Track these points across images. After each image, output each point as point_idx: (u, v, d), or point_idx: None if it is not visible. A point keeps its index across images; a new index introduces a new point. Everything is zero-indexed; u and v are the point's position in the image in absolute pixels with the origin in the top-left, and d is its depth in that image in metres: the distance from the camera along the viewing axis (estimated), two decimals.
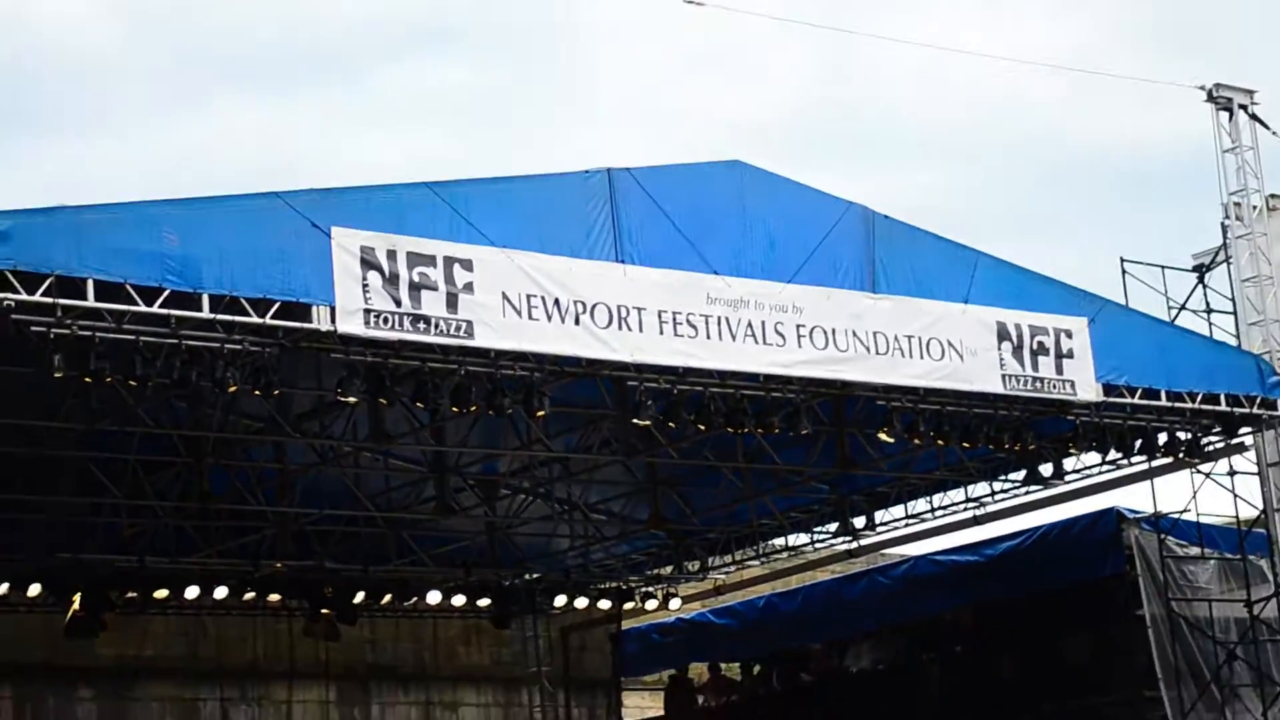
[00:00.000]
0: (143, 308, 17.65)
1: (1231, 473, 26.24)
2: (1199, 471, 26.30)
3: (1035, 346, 23.11)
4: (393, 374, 19.63)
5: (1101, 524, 27.30)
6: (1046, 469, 26.75)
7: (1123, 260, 25.75)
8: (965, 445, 23.94)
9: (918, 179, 75.42)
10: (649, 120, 77.58)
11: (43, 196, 21.24)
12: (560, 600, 32.51)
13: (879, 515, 29.90)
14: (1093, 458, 26.43)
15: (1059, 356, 23.28)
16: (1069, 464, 26.84)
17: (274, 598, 30.29)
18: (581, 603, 32.72)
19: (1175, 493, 26.87)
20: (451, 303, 19.10)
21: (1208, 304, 26.55)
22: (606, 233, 20.27)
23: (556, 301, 19.78)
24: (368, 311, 18.61)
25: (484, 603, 32.38)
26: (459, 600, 31.78)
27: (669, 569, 32.60)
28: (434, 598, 31.39)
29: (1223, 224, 26.15)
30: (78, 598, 28.48)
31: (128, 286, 17.55)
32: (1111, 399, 23.81)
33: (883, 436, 23.51)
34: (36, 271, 17.14)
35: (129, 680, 31.15)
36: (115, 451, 24.92)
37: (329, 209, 18.61)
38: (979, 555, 29.14)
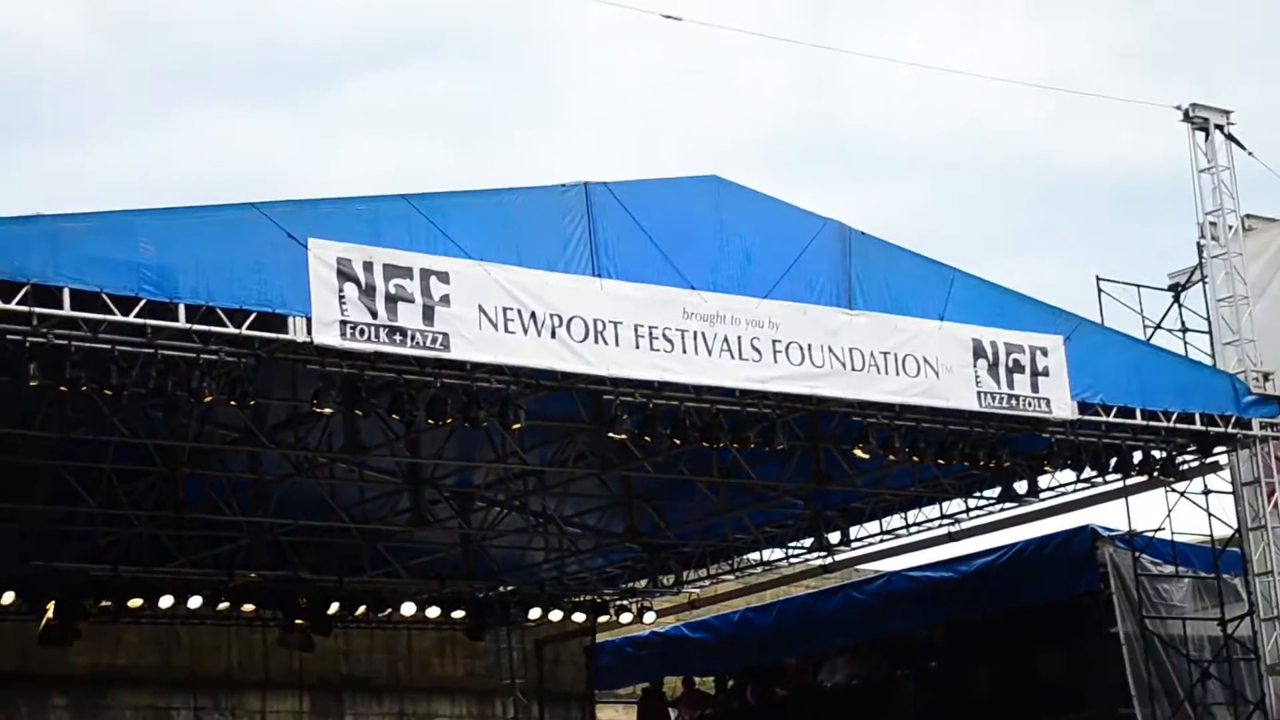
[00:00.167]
0: (119, 317, 17.66)
1: (1206, 491, 26.28)
2: (1174, 490, 26.33)
3: (1011, 364, 23.16)
4: (368, 385, 19.63)
5: (1076, 541, 27.35)
6: (1021, 486, 26.76)
7: (1099, 279, 25.82)
8: (940, 462, 23.94)
9: (897, 196, 75.58)
10: (628, 134, 77.67)
11: (18, 204, 21.17)
12: (535, 613, 32.48)
13: (854, 531, 29.91)
14: (1068, 475, 26.49)
15: (1034, 374, 23.32)
16: (1044, 481, 26.90)
17: (248, 608, 30.20)
18: (556, 615, 32.75)
19: (1150, 511, 26.98)
20: (428, 315, 19.12)
21: (1183, 323, 26.60)
22: (583, 246, 20.30)
23: (533, 315, 19.81)
24: (344, 323, 18.63)
25: (458, 614, 32.33)
26: (433, 612, 31.72)
27: (644, 582, 32.62)
28: (408, 609, 31.35)
29: (1198, 243, 26.17)
30: (51, 606, 28.44)
31: (104, 295, 17.57)
32: (1087, 417, 23.86)
33: (858, 452, 23.54)
34: (12, 280, 17.18)
35: (102, 689, 31.09)
36: (90, 460, 24.90)
37: (305, 220, 18.63)
38: (954, 572, 29.17)
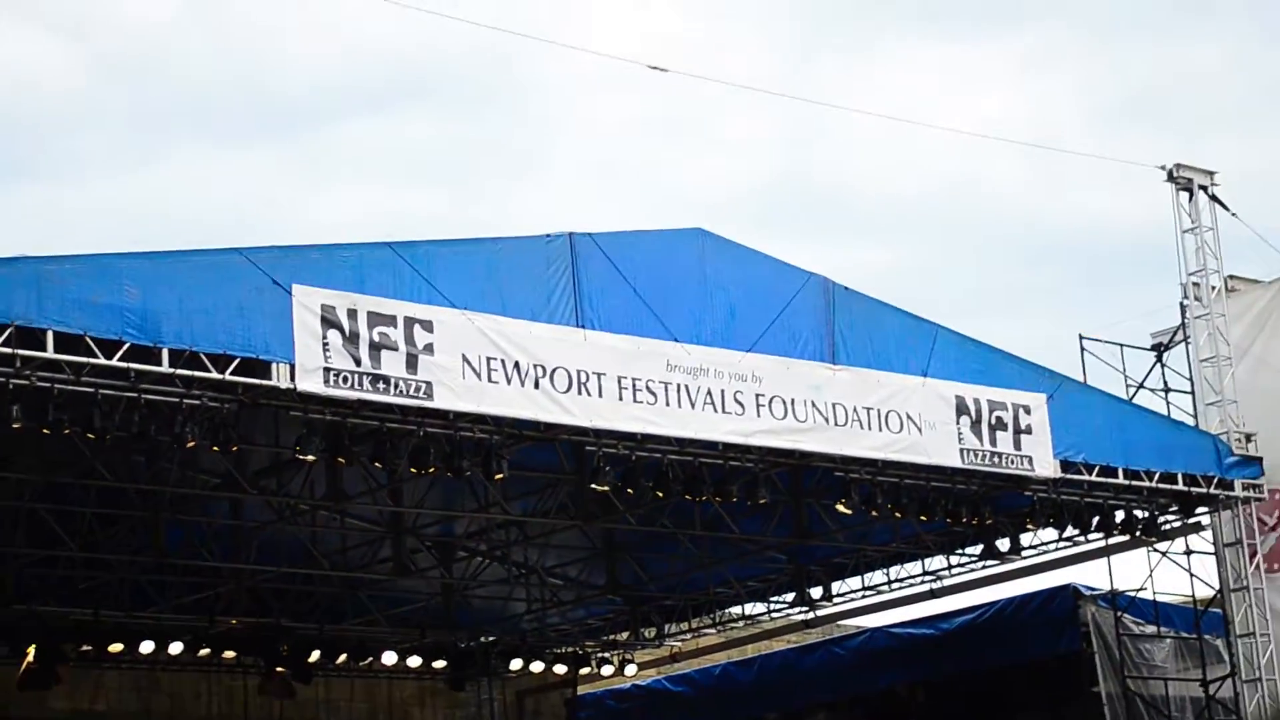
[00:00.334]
0: (102, 360, 17.64)
1: (1188, 552, 26.33)
2: (1156, 550, 26.39)
3: (994, 421, 23.19)
4: (351, 433, 19.61)
5: (1058, 600, 27.36)
6: (1003, 544, 26.74)
7: (1082, 338, 25.94)
8: (922, 518, 23.93)
9: (882, 252, 75.68)
10: (613, 183, 77.82)
11: (7, 244, 21.21)
12: (516, 664, 32.41)
13: (836, 586, 29.91)
14: (1050, 534, 26.45)
15: (1017, 432, 23.36)
16: (1026, 539, 26.87)
17: (229, 654, 30.13)
18: (537, 667, 32.68)
19: (1132, 570, 27.03)
20: (411, 363, 19.12)
21: (1166, 383, 26.71)
22: (567, 297, 20.32)
23: (516, 365, 19.82)
24: (327, 370, 18.63)
25: (439, 664, 32.27)
26: (414, 661, 31.65)
27: (625, 635, 32.60)
28: (389, 658, 31.27)
29: (1181, 304, 26.28)
30: (32, 650, 28.34)
31: (87, 339, 17.55)
32: (1069, 475, 23.90)
33: (840, 508, 23.51)
34: None
35: None
36: (72, 504, 24.85)
37: (290, 266, 18.64)
38: (935, 629, 29.18)
